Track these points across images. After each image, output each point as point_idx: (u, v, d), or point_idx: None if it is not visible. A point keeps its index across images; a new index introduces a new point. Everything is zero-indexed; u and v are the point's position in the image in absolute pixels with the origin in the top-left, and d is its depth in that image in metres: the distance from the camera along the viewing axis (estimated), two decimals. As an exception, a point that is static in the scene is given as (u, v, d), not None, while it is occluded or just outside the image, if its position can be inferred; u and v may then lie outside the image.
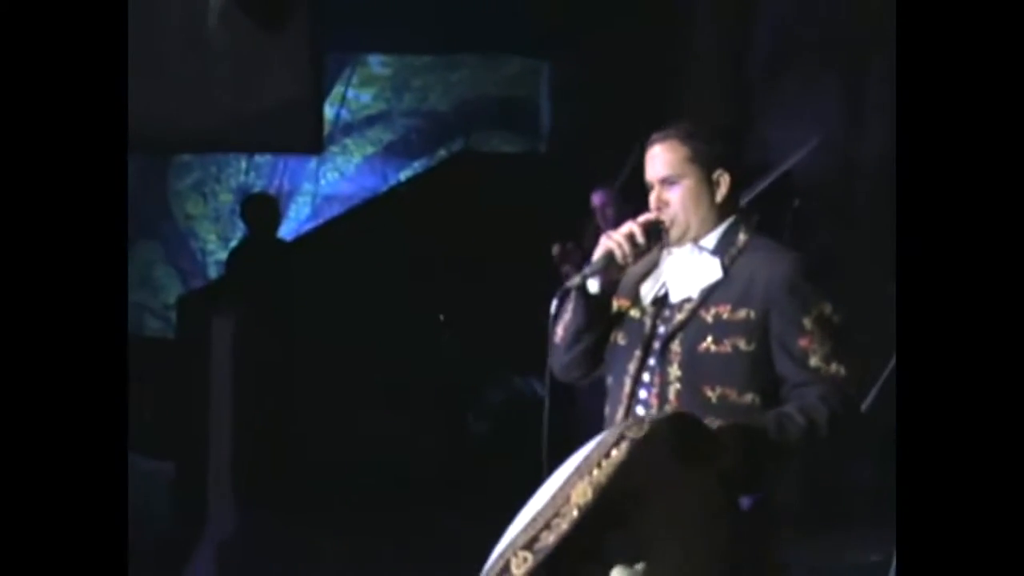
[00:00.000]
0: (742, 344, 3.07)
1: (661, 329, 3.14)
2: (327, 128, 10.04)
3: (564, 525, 2.76)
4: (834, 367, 3.05)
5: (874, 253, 8.17)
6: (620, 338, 3.20)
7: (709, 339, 3.08)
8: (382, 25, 9.60)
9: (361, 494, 7.17)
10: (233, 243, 9.10)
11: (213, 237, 10.90)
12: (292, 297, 7.80)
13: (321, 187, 10.92)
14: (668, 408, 3.05)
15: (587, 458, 2.80)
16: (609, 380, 3.21)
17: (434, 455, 7.81)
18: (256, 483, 6.94)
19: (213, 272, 10.43)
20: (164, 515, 7.61)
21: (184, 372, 7.62)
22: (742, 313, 3.08)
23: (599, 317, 3.22)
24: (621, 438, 2.80)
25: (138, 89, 9.18)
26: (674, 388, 3.09)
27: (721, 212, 3.18)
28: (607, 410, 3.20)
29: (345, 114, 10.89)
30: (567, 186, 7.36)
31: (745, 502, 2.99)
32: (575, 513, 2.76)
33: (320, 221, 10.14)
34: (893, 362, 5.56)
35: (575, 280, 3.18)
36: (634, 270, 3.23)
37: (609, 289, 3.21)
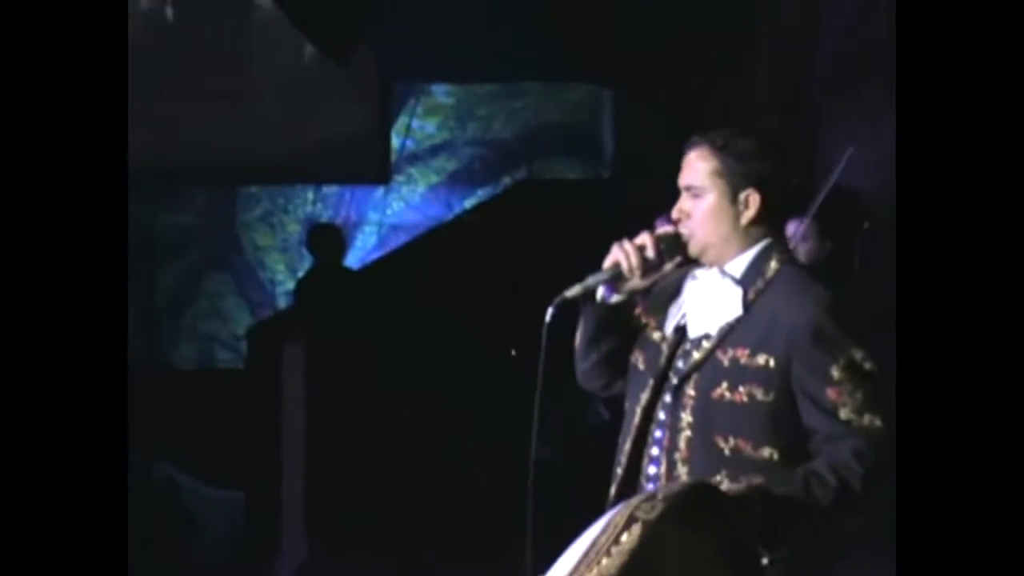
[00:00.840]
0: (759, 394, 2.84)
1: (680, 364, 2.94)
2: (393, 158, 10.16)
3: None
4: (867, 419, 2.80)
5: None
6: (640, 360, 3.03)
7: (724, 385, 2.86)
8: (446, 54, 9.69)
9: (430, 522, 7.23)
10: (300, 274, 9.23)
11: (282, 267, 11.04)
12: (360, 325, 7.90)
13: (387, 216, 11.03)
14: (678, 456, 2.88)
15: (595, 543, 2.57)
16: (626, 404, 3.04)
17: (501, 482, 7.87)
18: (328, 512, 7.01)
19: (282, 302, 10.57)
20: (235, 544, 7.71)
21: (255, 402, 7.73)
22: (761, 359, 2.85)
23: (610, 328, 3.05)
24: (632, 520, 2.57)
25: (208, 121, 9.41)
26: (685, 436, 2.88)
27: (748, 236, 2.94)
28: (620, 436, 3.02)
29: (410, 144, 11.00)
30: (630, 212, 7.41)
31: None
32: None
33: (386, 250, 10.25)
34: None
35: (575, 290, 2.99)
36: (667, 284, 3.04)
37: (627, 300, 3.03)
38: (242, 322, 10.57)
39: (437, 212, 10.84)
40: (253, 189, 10.93)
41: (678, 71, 9.08)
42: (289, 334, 7.58)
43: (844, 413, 2.81)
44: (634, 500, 2.67)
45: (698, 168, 2.96)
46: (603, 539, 2.56)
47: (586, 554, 2.57)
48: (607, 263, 3.00)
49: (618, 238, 3.04)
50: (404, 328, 8.16)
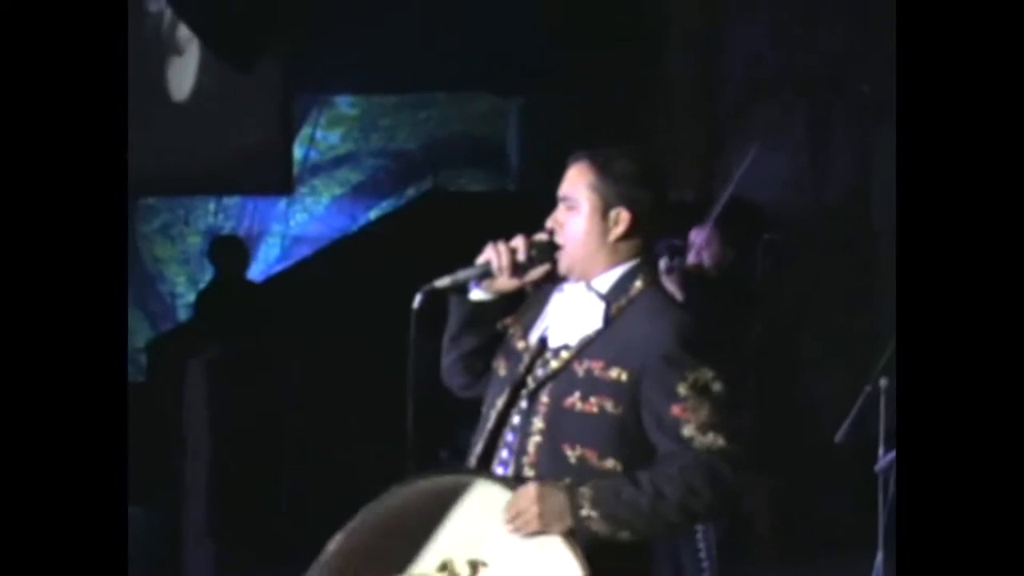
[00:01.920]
0: (609, 406, 2.92)
1: (539, 371, 3.02)
2: (296, 169, 10.13)
3: None
4: (710, 437, 2.87)
5: (847, 287, 8.29)
6: (502, 367, 3.11)
7: (577, 395, 2.94)
8: (349, 66, 9.69)
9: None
10: (202, 286, 9.17)
11: (183, 280, 10.96)
12: (263, 338, 7.87)
13: (290, 228, 10.99)
14: (526, 460, 2.97)
15: None
16: (483, 408, 3.12)
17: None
18: (234, 527, 6.97)
19: (183, 315, 10.49)
20: (135, 560, 7.63)
21: (156, 416, 7.67)
22: (614, 372, 2.93)
23: (474, 325, 3.13)
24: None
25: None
26: (534, 441, 2.97)
27: (617, 253, 3.03)
28: (473, 438, 3.10)
29: (314, 155, 10.98)
30: (536, 224, 7.45)
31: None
32: None
33: (290, 262, 10.22)
34: (867, 390, 5.67)
35: (444, 281, 3.07)
36: (537, 298, 3.13)
37: (493, 301, 3.11)
38: (142, 335, 10.48)
39: (341, 223, 10.82)
40: (151, 200, 10.84)
41: (585, 82, 9.16)
42: (191, 347, 7.53)
43: (687, 430, 2.88)
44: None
45: (575, 181, 3.06)
46: None
47: None
48: (479, 260, 3.09)
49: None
50: (308, 340, 8.14)
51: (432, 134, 11.08)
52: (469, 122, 11.05)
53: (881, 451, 5.53)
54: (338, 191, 11.09)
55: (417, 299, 3.03)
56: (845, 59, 8.27)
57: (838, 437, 5.66)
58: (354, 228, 10.42)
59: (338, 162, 11.07)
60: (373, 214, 10.79)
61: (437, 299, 3.11)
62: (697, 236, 6.00)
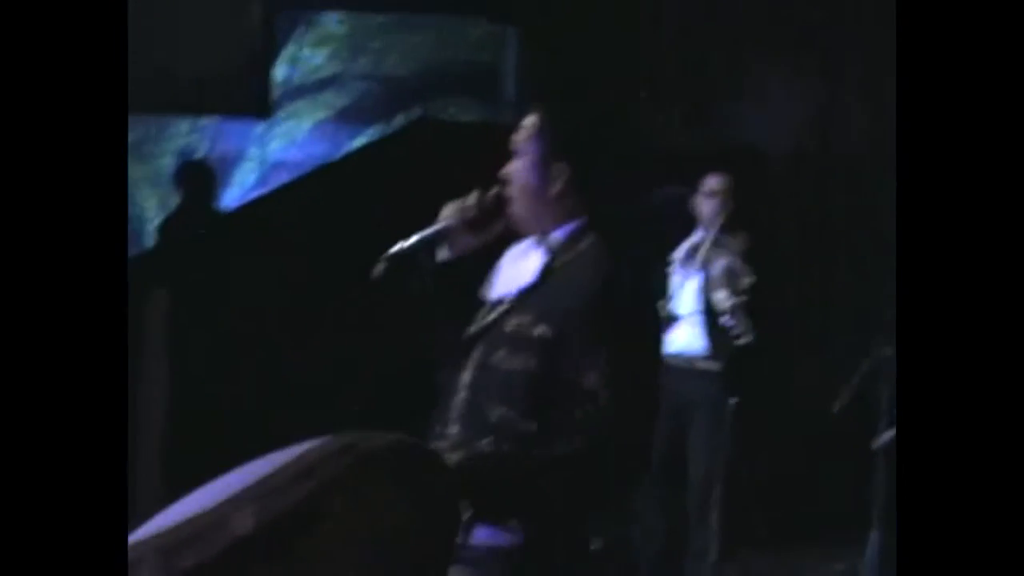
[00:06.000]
0: (532, 364, 2.93)
1: (474, 327, 3.05)
2: (276, 91, 9.99)
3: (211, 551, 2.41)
4: (611, 389, 2.86)
5: (848, 243, 8.24)
6: (454, 325, 3.13)
7: (503, 352, 2.96)
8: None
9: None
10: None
11: (153, 203, 10.83)
12: (232, 269, 7.77)
13: (269, 153, 10.86)
14: (450, 416, 2.95)
15: (276, 472, 2.52)
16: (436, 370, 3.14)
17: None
18: (189, 465, 6.90)
19: (149, 240, 10.37)
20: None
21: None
22: (539, 329, 2.94)
23: (436, 287, 3.14)
24: (322, 461, 2.54)
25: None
26: (460, 397, 2.98)
27: (564, 209, 3.05)
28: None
29: (296, 75, 10.83)
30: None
31: None
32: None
33: (267, 189, 10.10)
34: (865, 366, 5.62)
35: (404, 244, 3.12)
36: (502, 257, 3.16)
37: (456, 262, 3.13)
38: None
39: (323, 150, 10.69)
40: (123, 116, 10.68)
41: (587, 13, 9.03)
42: (154, 276, 7.45)
43: (592, 381, 2.87)
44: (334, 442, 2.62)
45: (523, 133, 3.13)
46: (286, 472, 2.51)
47: (262, 481, 2.51)
48: (438, 221, 3.14)
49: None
50: (281, 272, 8.04)
51: (424, 59, 10.93)
52: (464, 49, 10.91)
53: (881, 426, 5.49)
54: (321, 115, 10.95)
55: (379, 267, 3.07)
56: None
57: (835, 408, 5.64)
58: (337, 155, 10.31)
59: (322, 84, 10.92)
60: (358, 142, 10.66)
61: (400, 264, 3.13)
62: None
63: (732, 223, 6.29)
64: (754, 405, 6.24)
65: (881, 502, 5.55)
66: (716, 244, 6.25)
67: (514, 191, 3.08)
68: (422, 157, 8.77)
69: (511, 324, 2.96)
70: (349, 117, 10.93)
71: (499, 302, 3.03)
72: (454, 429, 2.96)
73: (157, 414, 6.84)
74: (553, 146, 3.05)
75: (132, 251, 10.40)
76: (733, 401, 6.20)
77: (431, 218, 7.72)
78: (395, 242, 3.15)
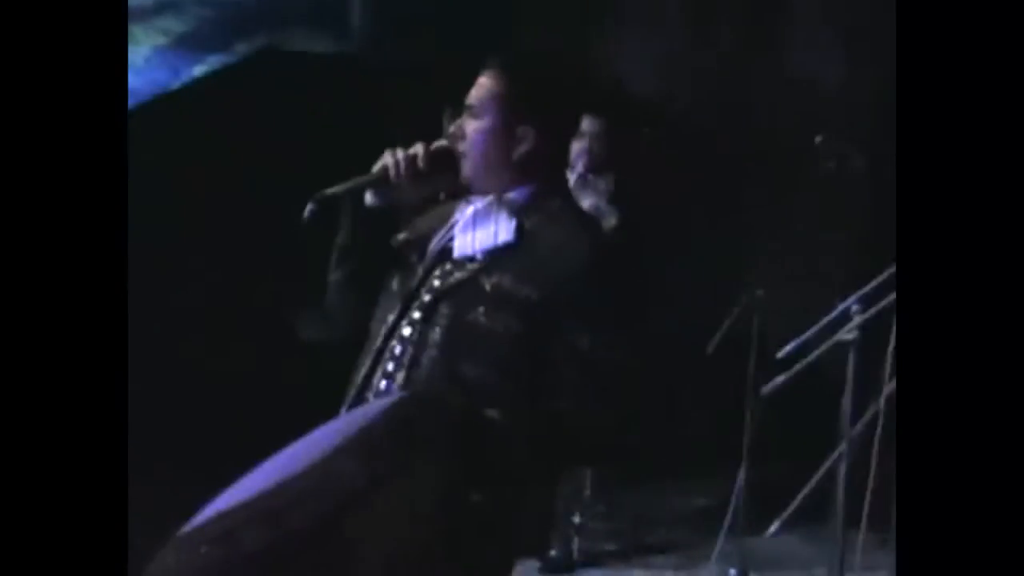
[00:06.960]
0: (515, 324, 2.90)
1: (436, 283, 2.99)
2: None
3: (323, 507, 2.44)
4: (611, 354, 2.87)
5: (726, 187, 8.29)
6: (394, 283, 3.08)
7: (481, 310, 2.92)
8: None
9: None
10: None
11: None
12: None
13: (106, 78, 10.57)
14: (417, 374, 2.90)
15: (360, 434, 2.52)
16: (371, 326, 3.09)
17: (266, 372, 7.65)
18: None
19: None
20: None
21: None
22: (525, 290, 2.92)
23: (366, 237, 3.10)
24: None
25: None
26: (430, 355, 2.92)
27: (525, 171, 3.02)
28: (360, 358, 3.04)
29: (132, -1, 10.54)
30: (380, 92, 7.21)
31: None
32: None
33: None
34: (743, 300, 5.66)
35: (337, 188, 3.05)
36: (437, 213, 3.12)
37: (392, 214, 3.10)
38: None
39: (163, 78, 10.43)
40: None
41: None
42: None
43: (586, 342, 2.87)
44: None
45: (482, 90, 3.04)
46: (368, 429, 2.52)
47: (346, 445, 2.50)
48: (376, 167, 3.05)
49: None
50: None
51: (266, -15, 10.71)
52: (310, -25, 10.72)
53: (751, 366, 5.54)
54: (161, 40, 10.68)
55: (308, 208, 2.98)
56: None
57: (709, 348, 5.71)
58: (177, 84, 10.08)
59: (159, 9, 10.65)
60: (199, 70, 10.42)
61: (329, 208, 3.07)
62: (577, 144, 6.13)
63: (602, 165, 6.30)
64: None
65: (750, 442, 5.68)
66: (583, 185, 6.23)
67: (470, 152, 3.02)
68: (269, 88, 8.63)
69: (490, 282, 2.92)
70: (188, 44, 10.66)
71: (470, 259, 2.97)
72: (421, 387, 2.89)
73: None
74: (516, 110, 2.99)
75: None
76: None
77: (283, 151, 7.55)
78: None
